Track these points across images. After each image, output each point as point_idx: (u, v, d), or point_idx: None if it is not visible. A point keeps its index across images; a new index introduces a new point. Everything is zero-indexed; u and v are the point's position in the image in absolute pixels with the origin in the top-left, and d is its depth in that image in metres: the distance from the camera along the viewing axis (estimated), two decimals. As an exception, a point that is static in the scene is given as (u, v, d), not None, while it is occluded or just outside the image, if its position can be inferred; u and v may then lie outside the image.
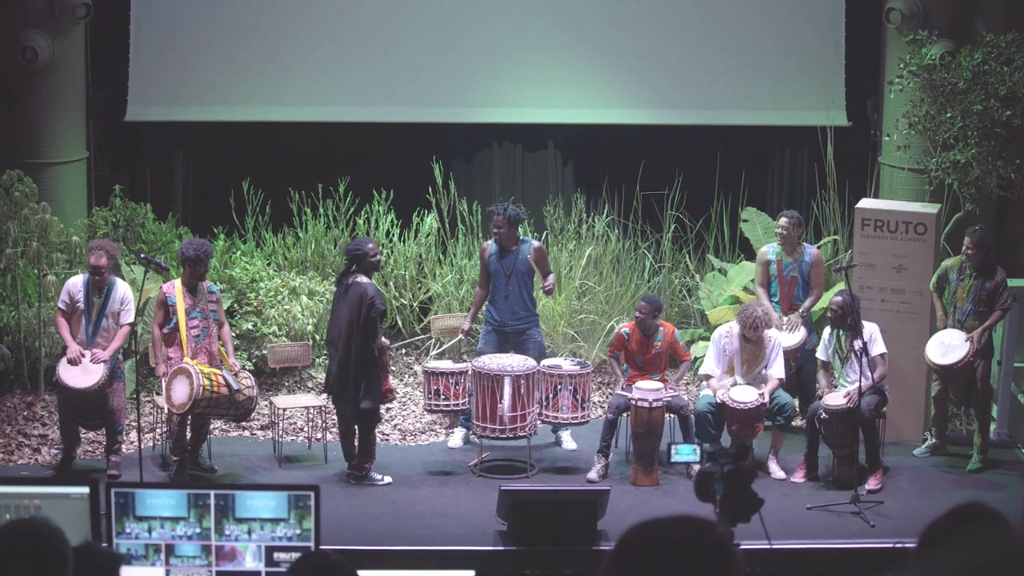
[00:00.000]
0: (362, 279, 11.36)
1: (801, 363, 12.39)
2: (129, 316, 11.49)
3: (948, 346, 11.81)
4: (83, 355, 11.31)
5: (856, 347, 11.41)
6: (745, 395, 11.48)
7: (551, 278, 12.23)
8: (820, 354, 11.81)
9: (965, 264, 11.93)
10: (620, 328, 12.07)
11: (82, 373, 11.29)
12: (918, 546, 3.59)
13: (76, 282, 11.52)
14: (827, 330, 11.76)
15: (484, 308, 12.33)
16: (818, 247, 13.04)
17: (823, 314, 12.30)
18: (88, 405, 11.42)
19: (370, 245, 11.60)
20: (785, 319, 12.35)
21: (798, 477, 11.54)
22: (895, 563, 9.95)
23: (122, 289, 11.52)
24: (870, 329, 11.60)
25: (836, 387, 11.61)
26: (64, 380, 11.30)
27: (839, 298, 11.56)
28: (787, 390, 12.08)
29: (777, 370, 11.71)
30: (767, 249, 12.71)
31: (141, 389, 12.12)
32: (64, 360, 11.33)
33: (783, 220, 12.55)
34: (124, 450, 11.67)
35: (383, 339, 11.49)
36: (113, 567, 4.73)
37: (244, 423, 12.24)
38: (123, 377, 11.66)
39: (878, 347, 11.60)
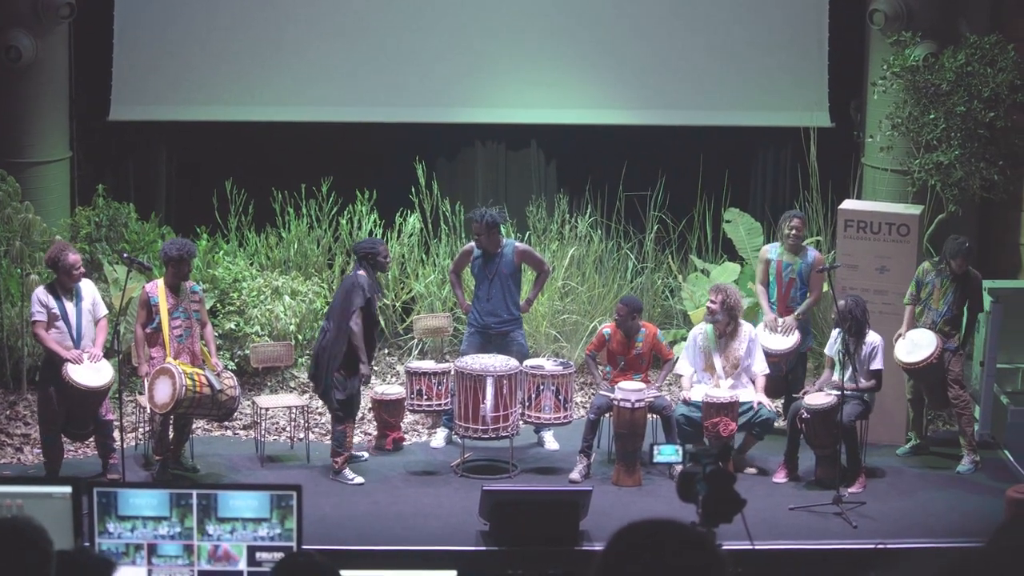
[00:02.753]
0: (360, 272, 11.41)
1: (792, 365, 12.36)
2: (103, 308, 11.36)
3: (916, 345, 11.80)
4: (83, 355, 11.04)
5: (850, 351, 11.40)
6: (720, 391, 11.54)
7: (533, 293, 12.41)
8: (828, 350, 11.81)
9: (944, 271, 11.87)
10: (602, 328, 12.07)
11: (93, 372, 11.01)
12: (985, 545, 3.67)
13: (44, 291, 11.11)
14: (836, 328, 11.71)
15: (469, 310, 12.35)
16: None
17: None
18: (86, 409, 11.15)
19: (382, 247, 11.74)
20: (780, 321, 12.29)
21: (779, 477, 11.54)
22: (876, 564, 9.97)
23: (86, 285, 11.28)
24: (873, 340, 11.56)
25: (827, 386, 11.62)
26: (76, 381, 10.90)
27: (842, 302, 11.52)
28: (774, 391, 12.08)
29: (760, 366, 11.73)
30: (768, 248, 12.60)
31: (124, 389, 12.08)
32: (67, 364, 10.94)
33: (796, 221, 12.35)
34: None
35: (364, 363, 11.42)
36: (107, 572, 4.73)
37: (227, 423, 12.23)
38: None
39: (876, 363, 11.54)
